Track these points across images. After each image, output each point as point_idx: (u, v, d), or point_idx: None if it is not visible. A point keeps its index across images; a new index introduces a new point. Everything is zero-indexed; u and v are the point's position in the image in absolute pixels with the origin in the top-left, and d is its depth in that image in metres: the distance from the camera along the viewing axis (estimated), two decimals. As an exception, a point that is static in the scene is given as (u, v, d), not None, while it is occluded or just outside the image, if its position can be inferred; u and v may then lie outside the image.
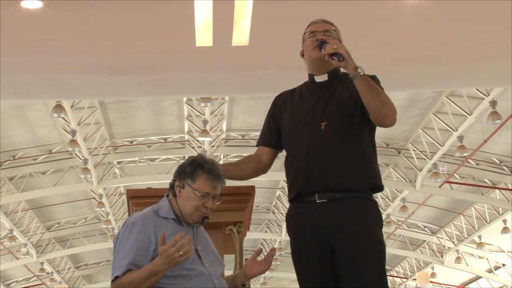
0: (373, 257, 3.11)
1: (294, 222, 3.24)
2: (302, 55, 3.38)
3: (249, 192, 3.76)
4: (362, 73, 3.08)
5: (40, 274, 23.64)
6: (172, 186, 3.20)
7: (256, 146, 3.51)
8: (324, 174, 3.14)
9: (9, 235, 19.72)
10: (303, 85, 3.42)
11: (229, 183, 3.31)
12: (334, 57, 3.12)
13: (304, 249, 3.18)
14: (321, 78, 3.32)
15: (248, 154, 3.77)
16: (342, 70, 3.31)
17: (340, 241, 3.10)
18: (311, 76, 3.36)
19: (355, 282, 3.07)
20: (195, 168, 3.14)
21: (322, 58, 3.20)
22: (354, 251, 3.08)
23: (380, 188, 3.24)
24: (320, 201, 3.14)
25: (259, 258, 3.32)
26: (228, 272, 3.35)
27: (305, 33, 3.35)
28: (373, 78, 3.19)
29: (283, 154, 3.61)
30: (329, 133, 3.19)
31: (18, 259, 22.19)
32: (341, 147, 3.16)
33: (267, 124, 3.45)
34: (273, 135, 3.41)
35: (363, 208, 3.15)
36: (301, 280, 3.22)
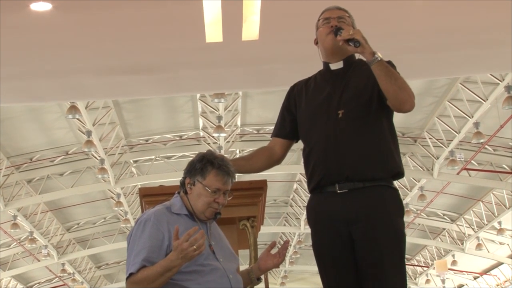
0: (393, 246, 3.08)
1: (314, 213, 3.21)
2: (316, 43, 3.31)
3: (262, 186, 3.73)
4: (379, 59, 3.03)
5: (61, 275, 23.82)
6: (182, 183, 3.19)
7: (271, 137, 3.47)
8: (344, 163, 3.10)
9: (30, 237, 19.88)
10: (317, 73, 3.35)
11: (241, 177, 3.28)
12: (350, 43, 3.06)
13: (324, 240, 3.16)
14: (336, 65, 3.26)
15: (262, 147, 3.72)
16: (357, 56, 3.25)
17: (361, 231, 3.07)
18: (325, 64, 3.29)
19: (375, 271, 3.05)
20: (205, 164, 3.13)
21: (337, 45, 3.15)
22: (374, 241, 3.05)
23: (400, 175, 3.19)
24: (341, 191, 3.10)
25: (273, 251, 3.31)
26: (244, 267, 3.34)
27: (318, 20, 3.30)
28: (389, 63, 3.14)
29: (297, 146, 3.58)
30: (346, 121, 3.13)
31: (39, 260, 22.38)
32: (359, 135, 3.11)
33: (281, 115, 3.40)
34: (287, 126, 3.37)
35: (384, 197, 3.12)
36: (322, 270, 3.20)
